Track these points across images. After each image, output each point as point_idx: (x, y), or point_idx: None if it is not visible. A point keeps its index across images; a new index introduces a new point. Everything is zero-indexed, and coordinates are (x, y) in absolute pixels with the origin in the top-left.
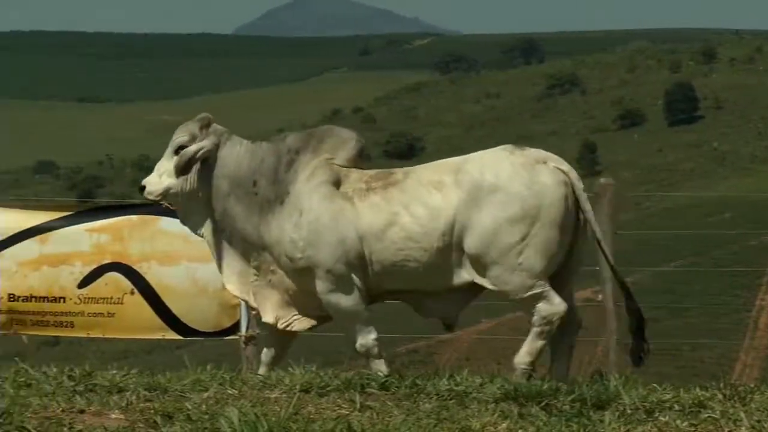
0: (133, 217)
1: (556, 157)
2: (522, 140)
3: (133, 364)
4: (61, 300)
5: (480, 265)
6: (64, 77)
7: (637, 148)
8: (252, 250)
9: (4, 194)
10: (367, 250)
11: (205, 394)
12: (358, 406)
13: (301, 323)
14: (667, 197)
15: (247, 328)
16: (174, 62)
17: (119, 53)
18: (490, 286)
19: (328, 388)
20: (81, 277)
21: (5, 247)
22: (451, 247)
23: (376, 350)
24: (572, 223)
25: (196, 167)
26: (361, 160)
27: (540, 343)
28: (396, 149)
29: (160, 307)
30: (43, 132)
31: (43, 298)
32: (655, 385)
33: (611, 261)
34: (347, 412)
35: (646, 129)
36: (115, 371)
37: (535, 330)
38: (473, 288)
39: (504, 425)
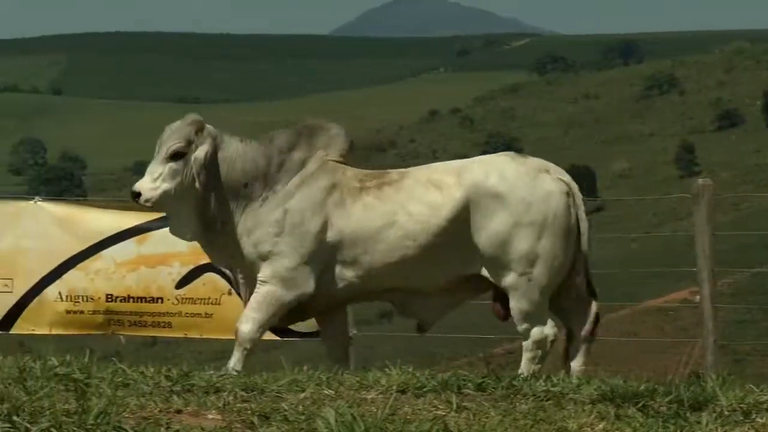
0: None
1: (557, 167)
2: (620, 141)
3: None
4: (159, 300)
5: (495, 267)
6: (163, 78)
7: (735, 149)
8: (233, 248)
9: (103, 195)
10: (354, 252)
11: (302, 395)
12: (454, 406)
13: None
14: (766, 198)
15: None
16: (271, 63)
17: (217, 54)
18: (507, 292)
19: (424, 389)
20: (179, 278)
21: (103, 248)
22: (446, 246)
23: (250, 346)
24: (575, 234)
25: (191, 171)
26: (352, 153)
27: (534, 367)
28: (494, 150)
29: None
30: (141, 133)
31: (141, 299)
32: (752, 386)
33: (590, 276)
34: (444, 413)
35: (744, 130)
36: (212, 371)
37: (526, 355)
38: (461, 292)
39: (601, 426)
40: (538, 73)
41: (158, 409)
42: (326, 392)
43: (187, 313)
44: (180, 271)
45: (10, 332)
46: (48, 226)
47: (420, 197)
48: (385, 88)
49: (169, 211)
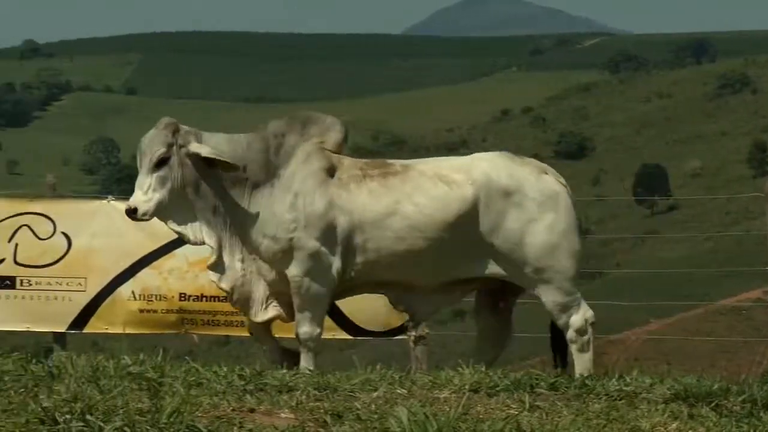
0: None
1: (552, 169)
2: (693, 140)
3: None
4: None
5: (514, 265)
6: (237, 78)
7: None
8: (242, 239)
9: None
10: (361, 238)
11: (375, 394)
12: (527, 406)
13: (274, 310)
14: None
15: (417, 328)
16: (344, 63)
17: (292, 54)
18: (527, 287)
19: (497, 388)
20: None
21: (177, 247)
22: (454, 241)
23: (314, 344)
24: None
25: (179, 174)
26: (345, 146)
27: (587, 355)
28: (566, 149)
29: (330, 307)
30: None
31: (214, 298)
32: None
33: None
34: (516, 412)
35: None
36: (285, 371)
37: (575, 347)
38: (459, 289)
39: (674, 426)
40: (610, 72)
41: (231, 408)
42: (399, 391)
43: None
44: None
45: (84, 331)
46: (121, 225)
47: (428, 190)
48: (457, 88)
49: (168, 219)
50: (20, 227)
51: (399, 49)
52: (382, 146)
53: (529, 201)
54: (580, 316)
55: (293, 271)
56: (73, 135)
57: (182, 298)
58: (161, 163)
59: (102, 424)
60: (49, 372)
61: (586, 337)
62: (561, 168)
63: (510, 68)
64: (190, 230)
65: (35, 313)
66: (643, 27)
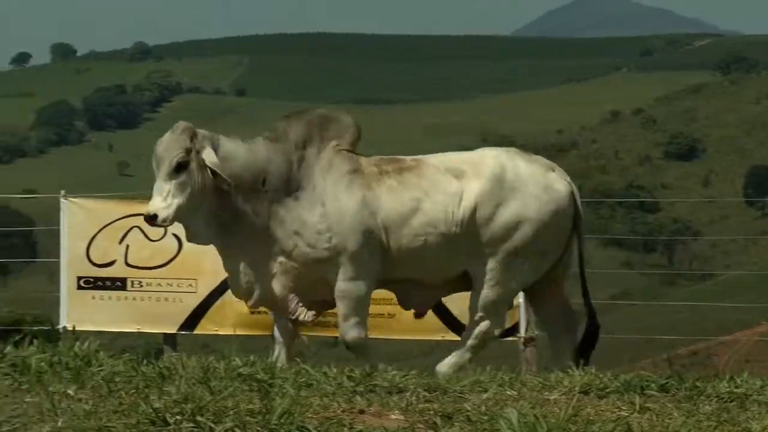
0: None
1: (559, 168)
2: None
3: (412, 365)
4: None
5: (482, 257)
6: (345, 79)
7: None
8: (257, 246)
9: None
10: (386, 236)
11: (485, 395)
12: (637, 407)
13: (307, 313)
14: None
15: (526, 329)
16: (453, 64)
17: (399, 55)
18: (475, 281)
19: (607, 390)
20: None
21: None
22: (463, 236)
23: (366, 345)
24: (567, 238)
25: (199, 178)
26: (359, 143)
27: (468, 356)
28: (677, 150)
29: (440, 308)
30: None
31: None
32: None
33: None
34: (626, 414)
35: None
36: (394, 372)
37: (470, 342)
38: (456, 282)
39: None
40: (721, 73)
41: (341, 409)
42: (509, 393)
43: (370, 313)
44: None
45: (194, 332)
46: None
47: (443, 185)
48: (567, 88)
49: (186, 223)
50: (131, 229)
51: (509, 50)
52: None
53: (530, 199)
54: (494, 326)
55: (340, 276)
56: None
57: None
58: (180, 168)
59: (213, 425)
60: (159, 373)
61: (481, 346)
62: (671, 169)
63: (620, 69)
64: (204, 234)
65: (146, 314)
66: (754, 27)
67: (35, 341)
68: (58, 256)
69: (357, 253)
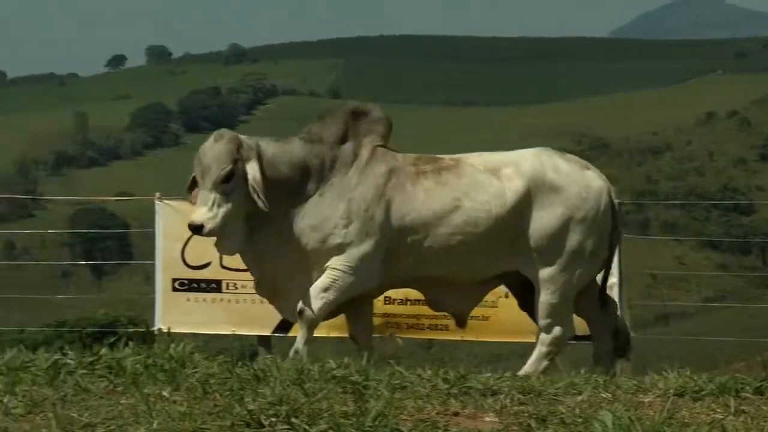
0: None
1: (593, 166)
2: None
3: (506, 368)
4: None
5: (533, 261)
6: (435, 81)
7: None
8: (286, 248)
9: None
10: (414, 237)
11: (579, 398)
12: (732, 410)
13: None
14: None
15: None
16: (548, 66)
17: (488, 56)
18: (535, 282)
19: (702, 393)
20: None
21: None
22: (504, 236)
23: (313, 325)
24: (612, 230)
25: (242, 188)
26: (390, 136)
27: (545, 364)
28: None
29: (533, 310)
30: (415, 134)
31: (418, 302)
32: None
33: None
34: (721, 417)
35: None
36: (489, 374)
37: (543, 350)
38: (491, 283)
39: None
40: None
41: (435, 411)
42: (603, 395)
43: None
44: None
45: (289, 335)
46: None
47: (484, 185)
48: (662, 91)
49: (226, 232)
50: None
51: (604, 52)
52: (585, 149)
53: (574, 198)
54: (564, 329)
55: (335, 260)
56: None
57: (387, 302)
58: (227, 179)
59: (307, 427)
60: (254, 375)
61: (555, 350)
62: (766, 171)
63: (715, 71)
64: (236, 242)
65: (241, 316)
66: None
67: (130, 343)
68: (153, 258)
69: (363, 253)
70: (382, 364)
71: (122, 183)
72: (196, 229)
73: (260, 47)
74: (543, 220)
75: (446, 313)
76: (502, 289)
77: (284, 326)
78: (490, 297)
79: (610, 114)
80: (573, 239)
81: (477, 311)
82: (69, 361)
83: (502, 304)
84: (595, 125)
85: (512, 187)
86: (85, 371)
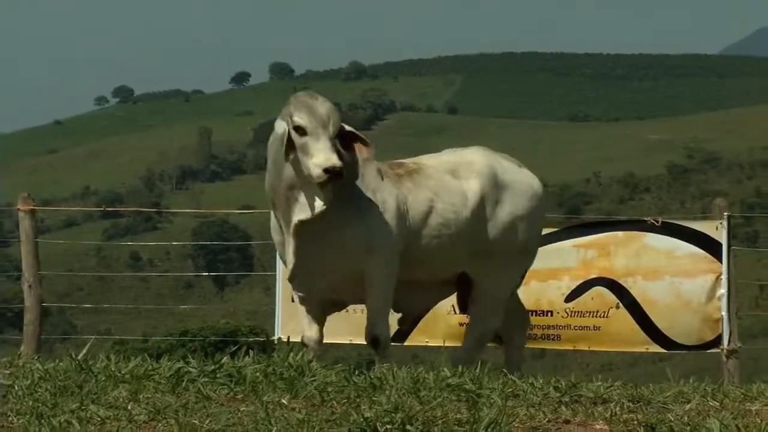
0: (619, 233)
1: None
2: None
3: (616, 377)
4: (549, 314)
5: (481, 258)
6: (553, 97)
7: None
8: (331, 234)
9: None
10: (409, 237)
11: (687, 406)
12: None
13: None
14: None
15: (729, 341)
16: (660, 82)
17: (607, 73)
18: (477, 280)
19: None
20: (568, 291)
21: None
22: (466, 235)
23: (388, 342)
24: None
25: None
26: None
27: (475, 356)
28: None
29: (644, 320)
30: (534, 150)
31: (532, 312)
32: None
33: None
34: None
35: None
36: (599, 383)
37: (473, 344)
38: (450, 284)
39: None
40: None
41: (547, 419)
42: (711, 404)
43: (575, 326)
44: (569, 284)
45: (405, 344)
46: None
47: (449, 186)
48: None
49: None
50: None
51: (716, 68)
52: (696, 164)
53: (520, 196)
54: (496, 323)
55: (378, 263)
56: (396, 153)
57: None
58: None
59: None
60: (371, 383)
61: (486, 342)
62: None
63: None
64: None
65: (359, 326)
66: None
67: (251, 352)
68: (274, 269)
69: (392, 252)
70: (495, 373)
71: (245, 196)
72: (337, 174)
73: (380, 65)
74: (497, 218)
75: (402, 315)
76: (613, 299)
77: (401, 335)
78: (601, 307)
79: (722, 129)
80: (520, 236)
81: (589, 321)
82: (191, 369)
83: (613, 314)
84: (707, 140)
85: (471, 187)
86: (206, 379)
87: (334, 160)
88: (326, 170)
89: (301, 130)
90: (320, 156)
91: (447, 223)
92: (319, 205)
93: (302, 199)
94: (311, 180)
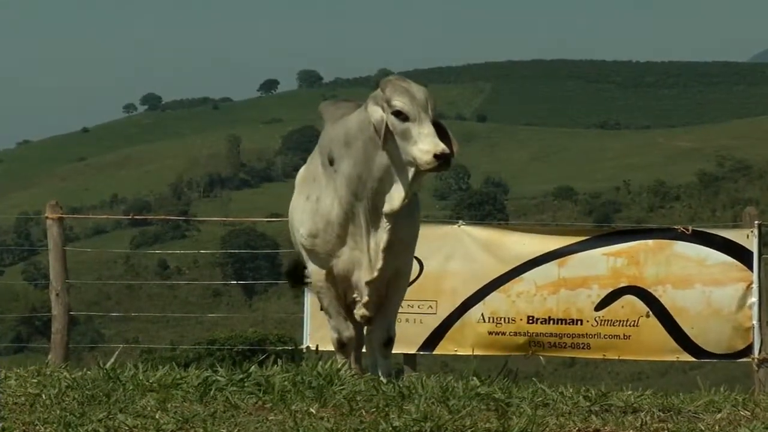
0: (649, 241)
1: None
2: None
3: (646, 385)
4: (578, 322)
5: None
6: (585, 104)
7: None
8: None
9: (526, 218)
10: None
11: (718, 416)
12: None
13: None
14: None
15: (760, 350)
16: (690, 89)
17: (637, 81)
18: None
19: None
20: (598, 300)
21: (525, 271)
22: None
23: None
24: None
25: None
26: None
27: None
28: None
29: (674, 329)
30: (563, 158)
31: (561, 321)
32: None
33: None
34: None
35: None
36: (629, 392)
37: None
38: None
39: None
40: None
41: (577, 428)
42: (742, 413)
43: (605, 334)
44: (599, 293)
45: (434, 353)
46: (471, 249)
47: None
48: None
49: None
50: None
51: (746, 76)
52: (727, 172)
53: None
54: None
55: (409, 266)
56: None
57: (530, 321)
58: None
59: None
60: (399, 392)
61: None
62: None
63: None
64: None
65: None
66: None
67: (279, 361)
68: None
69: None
70: (524, 382)
71: (273, 204)
72: (448, 160)
73: (408, 71)
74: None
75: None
76: (643, 308)
77: (429, 344)
78: (631, 316)
79: (753, 137)
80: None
81: (619, 330)
82: (219, 378)
83: (643, 323)
84: (737, 148)
85: None
86: (234, 388)
87: (442, 146)
88: (436, 156)
89: (402, 116)
90: (428, 141)
91: None
92: (402, 196)
93: (392, 189)
94: (417, 166)
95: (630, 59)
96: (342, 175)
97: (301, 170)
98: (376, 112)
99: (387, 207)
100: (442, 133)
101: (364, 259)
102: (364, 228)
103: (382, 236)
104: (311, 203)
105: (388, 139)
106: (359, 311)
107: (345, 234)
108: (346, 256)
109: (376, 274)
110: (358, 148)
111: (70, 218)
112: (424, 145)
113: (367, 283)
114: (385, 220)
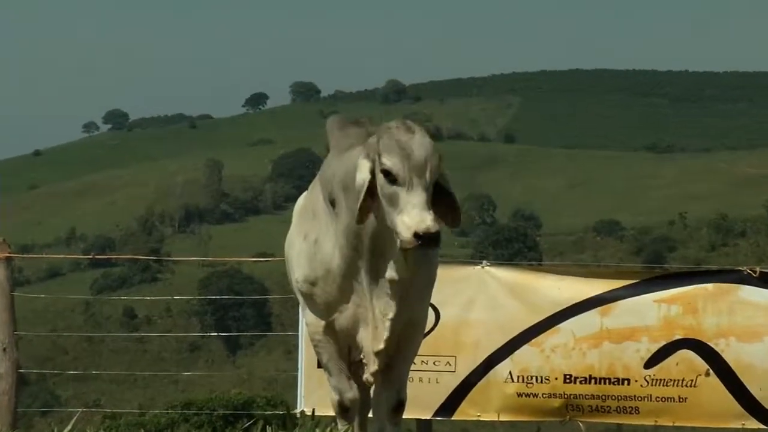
0: (709, 285)
1: None
2: None
3: None
4: (625, 382)
5: None
6: (632, 122)
7: None
8: None
9: (562, 258)
10: None
11: None
12: None
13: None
14: None
15: None
16: (757, 105)
17: (694, 95)
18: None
19: None
20: (648, 356)
21: (562, 320)
22: None
23: None
24: None
25: None
26: None
27: None
28: None
29: (739, 390)
30: (606, 186)
31: (604, 380)
32: None
33: None
34: None
35: None
36: None
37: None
38: None
39: None
40: None
41: None
42: None
43: (657, 396)
44: (649, 347)
45: (453, 418)
46: (497, 295)
47: None
48: None
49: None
50: None
51: None
52: None
53: None
54: None
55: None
56: None
57: (567, 380)
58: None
59: None
60: None
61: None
62: None
63: None
64: None
65: None
66: None
67: (268, 428)
68: (296, 328)
69: None
70: None
71: (261, 242)
72: (435, 240)
73: (423, 84)
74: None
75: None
76: (702, 365)
77: (447, 408)
78: (688, 375)
79: None
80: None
81: (674, 391)
82: None
83: (701, 383)
84: None
85: None
86: None
87: (428, 223)
88: (417, 235)
89: (391, 176)
90: (413, 214)
91: None
92: (400, 272)
93: (396, 254)
94: (396, 241)
95: (685, 68)
96: (341, 223)
97: (301, 198)
98: (362, 170)
99: (389, 273)
100: (441, 194)
101: (369, 318)
102: (366, 289)
103: (389, 305)
104: (309, 245)
105: (373, 198)
106: (366, 376)
107: (349, 286)
108: (350, 312)
109: (382, 345)
110: (354, 199)
111: (18, 258)
112: (407, 217)
113: (376, 354)
114: (388, 287)
